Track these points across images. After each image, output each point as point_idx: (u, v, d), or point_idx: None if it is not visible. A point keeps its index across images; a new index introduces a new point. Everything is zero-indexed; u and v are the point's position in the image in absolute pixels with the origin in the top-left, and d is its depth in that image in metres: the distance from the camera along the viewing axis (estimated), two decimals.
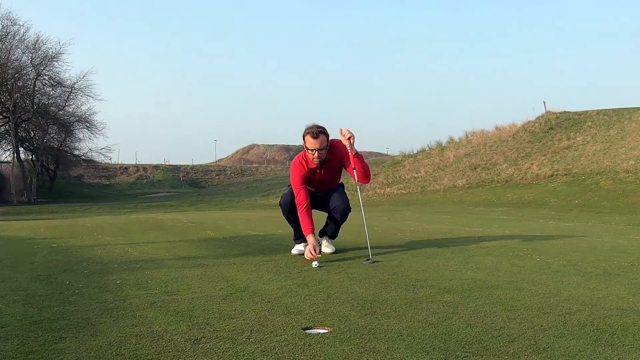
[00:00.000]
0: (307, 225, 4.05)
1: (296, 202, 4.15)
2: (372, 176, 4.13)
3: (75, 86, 37.10)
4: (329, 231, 4.52)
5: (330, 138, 4.16)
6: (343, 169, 4.39)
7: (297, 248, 4.41)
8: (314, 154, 4.09)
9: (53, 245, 5.69)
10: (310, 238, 3.99)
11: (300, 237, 4.35)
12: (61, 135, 39.51)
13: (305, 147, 4.13)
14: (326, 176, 4.31)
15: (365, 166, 4.21)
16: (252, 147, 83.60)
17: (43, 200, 34.41)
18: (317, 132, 4.04)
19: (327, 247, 4.47)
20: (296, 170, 4.21)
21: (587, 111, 23.99)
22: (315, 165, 4.19)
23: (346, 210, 4.34)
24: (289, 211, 4.30)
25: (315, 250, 3.91)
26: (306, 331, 2.14)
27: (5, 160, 37.50)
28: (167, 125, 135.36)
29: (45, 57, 34.92)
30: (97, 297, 2.85)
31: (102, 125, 39.50)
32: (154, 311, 2.50)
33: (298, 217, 4.16)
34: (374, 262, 3.78)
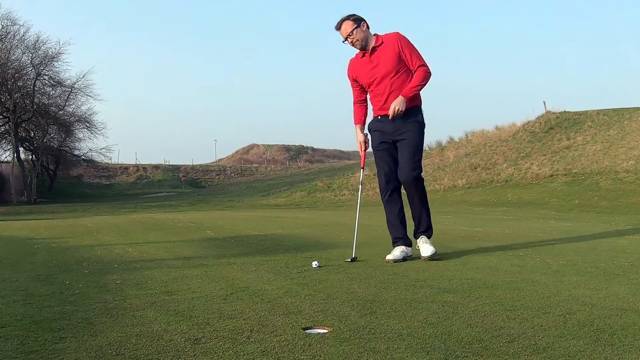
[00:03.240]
0: (356, 116, 4.18)
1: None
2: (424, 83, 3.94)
3: (75, 86, 37.14)
4: (416, 221, 4.04)
5: (377, 34, 4.02)
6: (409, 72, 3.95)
7: (393, 253, 3.92)
8: (348, 42, 4.00)
9: (53, 245, 5.69)
10: (357, 129, 4.15)
11: (395, 241, 4.01)
12: (61, 135, 39.51)
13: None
14: (379, 64, 3.95)
15: (417, 86, 3.90)
16: (252, 147, 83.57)
17: (43, 200, 34.40)
18: (339, 23, 4.00)
19: (425, 249, 3.91)
20: (348, 72, 4.18)
21: (587, 111, 23.97)
22: (362, 54, 4.03)
23: (415, 180, 3.95)
24: (385, 202, 4.10)
25: (364, 144, 4.11)
26: (306, 331, 2.14)
27: (5, 160, 37.51)
28: (167, 125, 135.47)
29: (45, 57, 34.94)
30: (97, 297, 2.85)
31: (102, 125, 39.56)
32: (154, 311, 2.50)
33: (391, 215, 4.04)
34: (352, 260, 3.87)
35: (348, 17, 3.98)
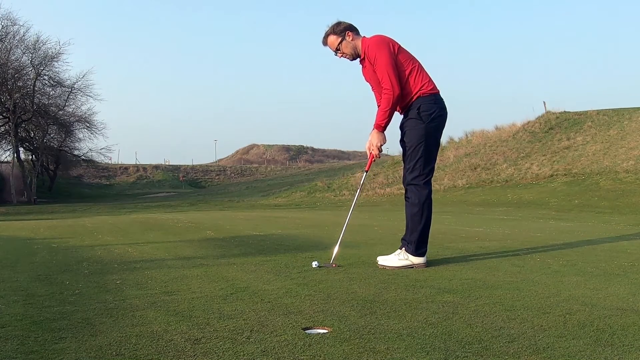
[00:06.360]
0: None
1: None
2: (385, 112, 3.64)
3: (75, 86, 37.22)
4: (407, 231, 3.72)
5: (364, 37, 3.75)
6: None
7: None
8: (338, 56, 3.80)
9: (53, 245, 5.69)
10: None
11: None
12: (61, 135, 39.56)
13: None
14: (369, 75, 3.78)
15: (381, 113, 3.66)
16: (252, 147, 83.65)
17: (43, 200, 34.42)
18: (324, 37, 3.78)
19: (388, 259, 3.67)
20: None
21: (587, 111, 23.98)
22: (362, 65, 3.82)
23: (410, 186, 3.81)
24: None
25: (375, 150, 3.71)
26: (306, 331, 2.14)
27: (5, 160, 37.52)
28: (167, 125, 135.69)
29: (45, 57, 35.00)
30: (97, 297, 2.85)
31: (102, 125, 39.63)
32: (154, 311, 2.50)
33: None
34: (321, 267, 3.59)
35: (333, 31, 3.74)
